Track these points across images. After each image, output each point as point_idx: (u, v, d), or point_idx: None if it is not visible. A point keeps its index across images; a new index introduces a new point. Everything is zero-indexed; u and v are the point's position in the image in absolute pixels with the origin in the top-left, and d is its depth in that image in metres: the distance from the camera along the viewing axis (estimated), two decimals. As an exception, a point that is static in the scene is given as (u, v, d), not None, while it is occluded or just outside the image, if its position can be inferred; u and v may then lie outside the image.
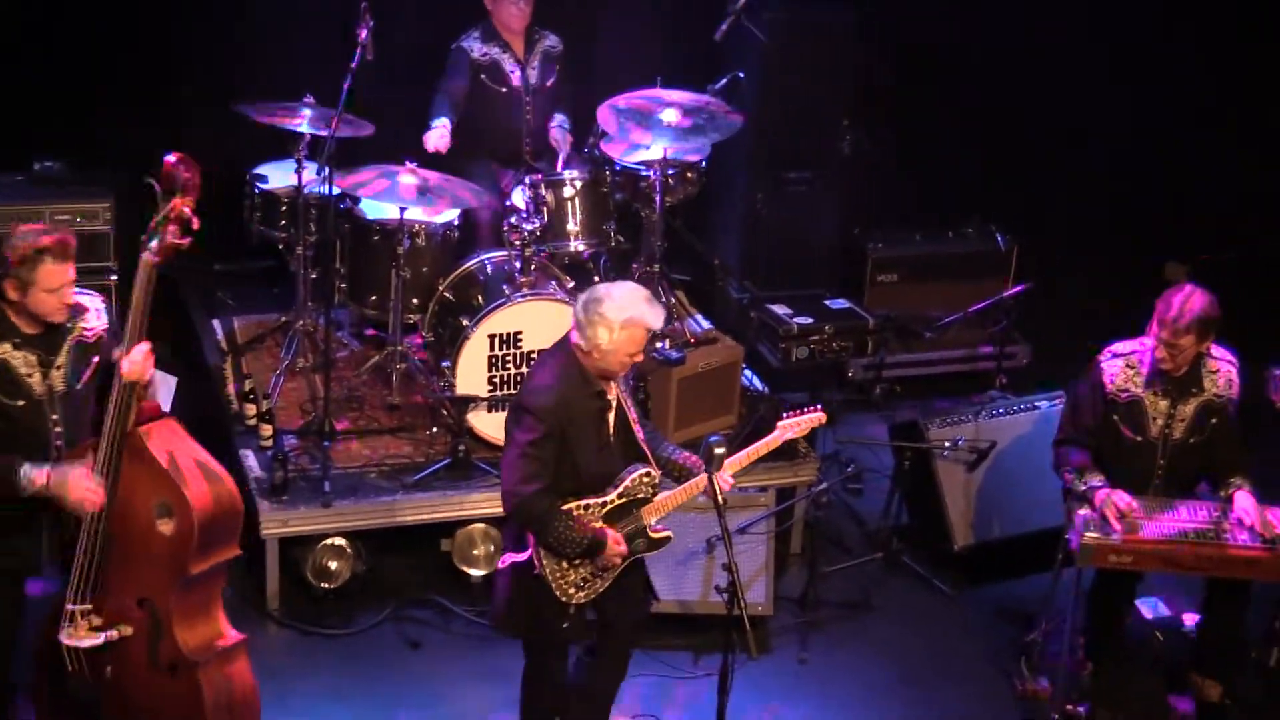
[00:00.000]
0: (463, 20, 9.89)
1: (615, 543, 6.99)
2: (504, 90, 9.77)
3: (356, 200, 9.32)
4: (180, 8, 10.32)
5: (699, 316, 10.01)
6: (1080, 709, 8.08)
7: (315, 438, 8.92)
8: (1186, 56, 11.53)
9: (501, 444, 8.77)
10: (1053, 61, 11.53)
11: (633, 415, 7.13)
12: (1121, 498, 7.79)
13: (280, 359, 9.59)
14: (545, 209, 9.24)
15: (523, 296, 8.88)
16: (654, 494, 7.10)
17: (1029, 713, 8.27)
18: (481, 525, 8.77)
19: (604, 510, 7.03)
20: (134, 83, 10.32)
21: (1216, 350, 7.98)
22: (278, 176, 9.58)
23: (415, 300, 9.36)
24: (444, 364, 8.98)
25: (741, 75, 9.96)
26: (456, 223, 9.52)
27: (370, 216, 9.38)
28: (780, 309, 9.95)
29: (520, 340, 8.92)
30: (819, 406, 7.33)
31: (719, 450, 6.86)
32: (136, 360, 6.48)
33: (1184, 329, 7.73)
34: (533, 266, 9.00)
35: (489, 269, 9.25)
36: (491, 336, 8.89)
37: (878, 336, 9.99)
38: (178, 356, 10.23)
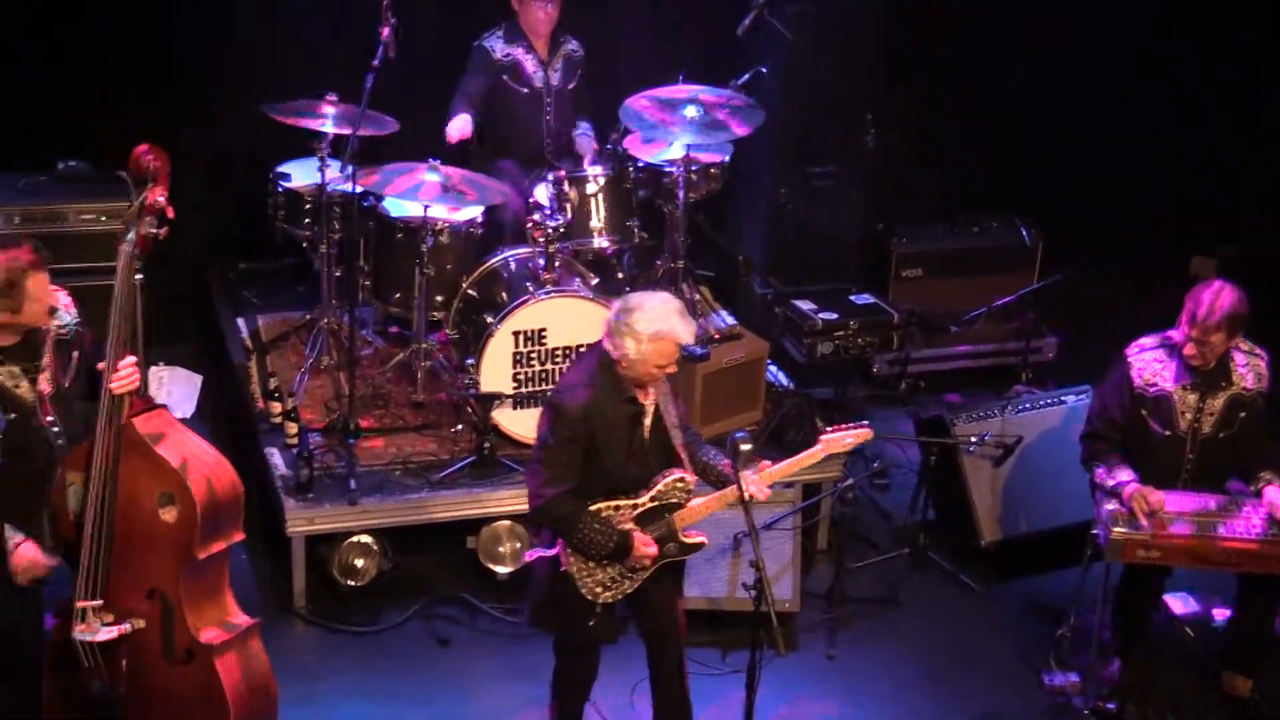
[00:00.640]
0: (486, 19, 9.88)
1: (643, 545, 6.99)
2: (525, 91, 9.76)
3: (380, 198, 9.32)
4: (206, 8, 10.32)
5: (723, 312, 9.98)
6: (1109, 704, 8.05)
7: (340, 435, 8.92)
8: (1217, 47, 11.49)
9: (526, 441, 8.85)
10: (1081, 55, 11.49)
11: (671, 420, 7.10)
12: (1152, 494, 7.76)
13: (305, 357, 9.59)
14: (569, 206, 9.22)
15: (547, 293, 8.87)
16: (687, 499, 7.08)
17: (1058, 708, 8.24)
18: (507, 522, 8.76)
19: (635, 513, 7.02)
20: (157, 82, 10.31)
21: (1245, 344, 7.95)
22: (301, 175, 9.57)
23: (439, 298, 9.36)
24: (468, 361, 8.97)
25: (765, 70, 9.94)
26: (480, 220, 9.51)
27: (394, 214, 9.37)
28: (805, 304, 9.93)
29: (545, 337, 8.91)
30: (866, 423, 7.27)
31: (745, 447, 6.84)
32: (124, 376, 6.47)
33: (1214, 327, 7.70)
34: (556, 263, 8.99)
35: (513, 266, 9.23)
36: (516, 333, 8.88)
37: (903, 331, 9.97)
38: (203, 354, 10.28)
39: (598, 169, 9.48)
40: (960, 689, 8.38)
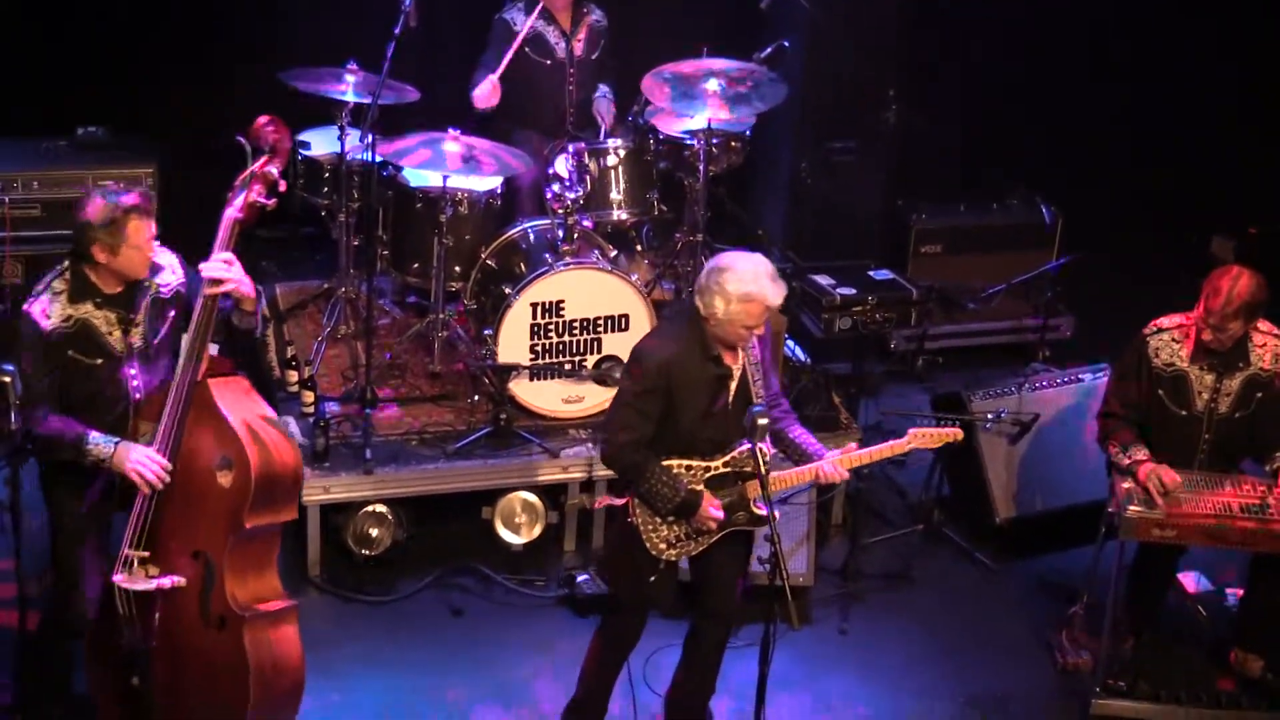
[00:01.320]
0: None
1: (710, 506, 7.01)
2: (548, 62, 9.73)
3: (399, 168, 9.31)
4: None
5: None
6: (1121, 683, 8.05)
7: (357, 405, 8.93)
8: (1238, 28, 11.45)
9: (542, 412, 8.87)
10: (1102, 33, 11.47)
11: (757, 390, 7.10)
12: (1167, 473, 7.75)
13: (322, 326, 9.60)
14: (588, 178, 9.22)
15: (565, 265, 8.87)
16: (766, 472, 7.08)
17: (1070, 686, 8.25)
18: (522, 494, 8.77)
19: (707, 475, 7.06)
20: (177, 49, 10.34)
21: (1264, 325, 7.94)
22: (321, 143, 9.56)
23: (457, 268, 9.36)
24: (486, 332, 8.97)
25: (787, 44, 9.91)
26: (499, 191, 9.51)
27: (413, 184, 9.37)
28: (823, 279, 9.91)
29: (562, 309, 8.91)
30: (958, 424, 7.24)
31: (763, 421, 6.83)
32: (215, 264, 6.57)
33: (1232, 314, 7.69)
34: (575, 235, 8.98)
35: (531, 237, 9.23)
36: (534, 305, 8.88)
37: (921, 307, 9.94)
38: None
39: (618, 141, 9.47)
40: (972, 665, 8.38)
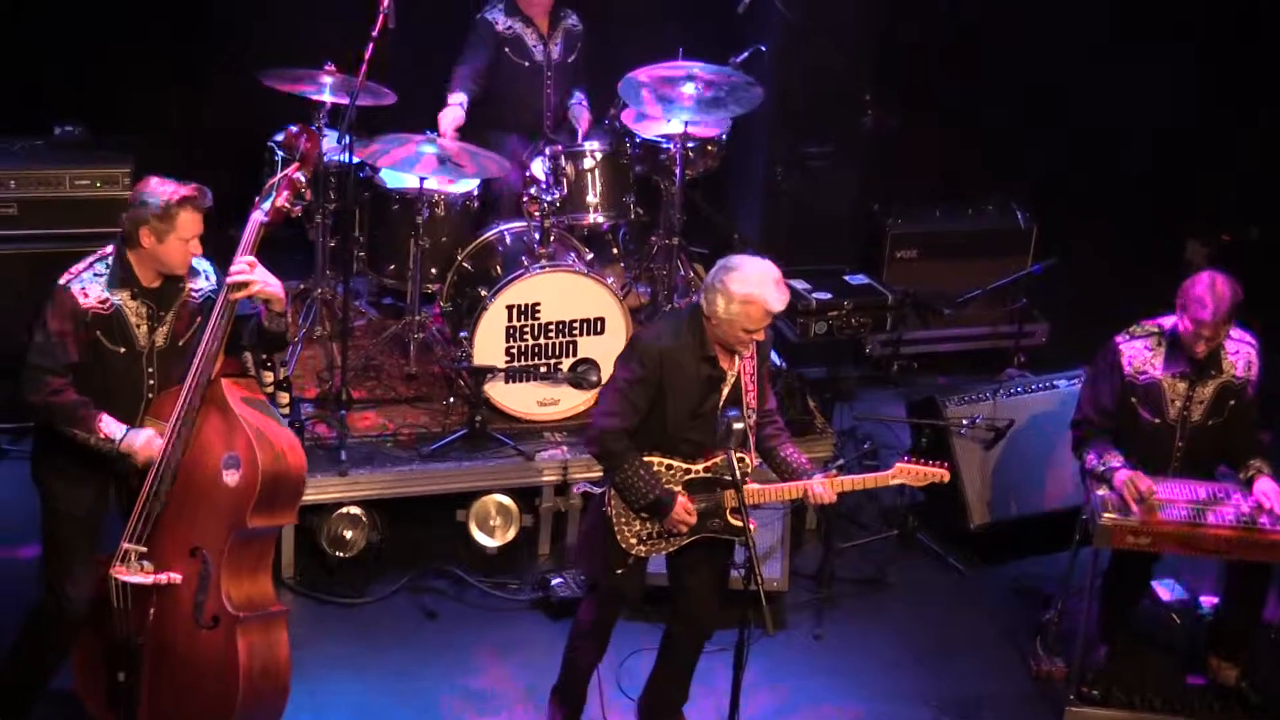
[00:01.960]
0: (487, -10, 9.87)
1: (683, 509, 7.01)
2: (526, 64, 9.73)
3: (376, 169, 9.30)
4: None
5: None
6: (1095, 690, 8.07)
7: (332, 406, 8.92)
8: (1209, 34, 11.48)
9: (518, 414, 8.88)
10: (1077, 39, 11.48)
11: (750, 400, 7.10)
12: (1142, 480, 7.77)
13: (298, 327, 9.58)
14: (565, 180, 9.23)
15: (541, 268, 8.87)
16: (742, 480, 7.08)
17: (1044, 693, 8.26)
18: (497, 496, 8.77)
19: (686, 477, 7.06)
20: (155, 48, 10.30)
21: (1235, 332, 7.95)
22: (298, 144, 9.54)
23: (434, 270, 9.35)
24: (462, 334, 8.97)
25: (764, 48, 9.92)
26: (476, 193, 9.51)
27: (390, 185, 9.36)
28: (799, 284, 9.91)
29: (538, 311, 8.91)
30: (945, 465, 7.25)
31: (737, 425, 6.85)
32: (238, 266, 6.73)
33: (1224, 319, 7.71)
34: (552, 238, 8.99)
35: (508, 240, 9.23)
36: (510, 307, 8.88)
37: (896, 313, 9.96)
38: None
39: (595, 144, 9.47)
40: (946, 671, 8.40)
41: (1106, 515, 7.75)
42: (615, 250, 9.77)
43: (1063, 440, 8.35)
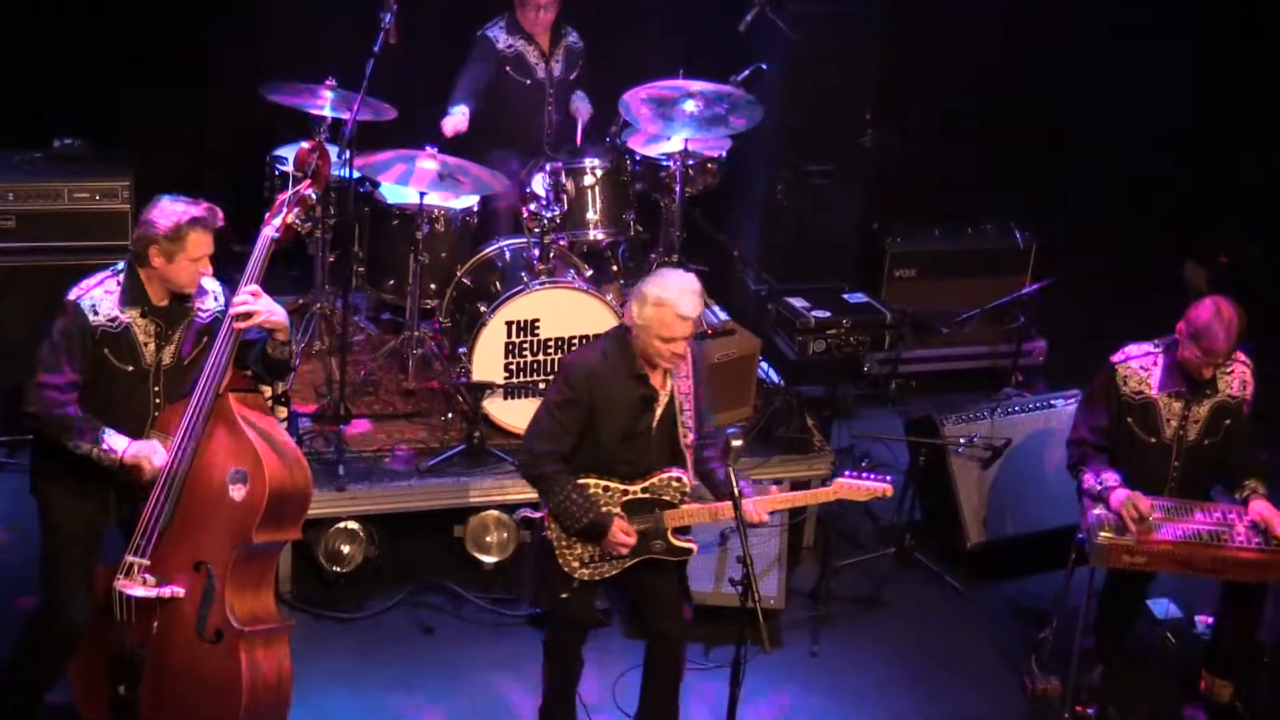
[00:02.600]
0: (487, 8, 9.88)
1: (621, 531, 7.01)
2: (527, 82, 9.76)
3: (376, 184, 9.32)
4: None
5: (716, 308, 9.97)
6: (1090, 709, 8.07)
7: (330, 421, 8.92)
8: (1208, 55, 11.50)
9: (516, 431, 8.89)
10: (1076, 60, 11.50)
11: (686, 420, 7.11)
12: (1142, 501, 7.77)
13: (297, 342, 9.56)
14: (565, 197, 9.23)
15: (541, 284, 8.88)
16: (680, 500, 7.10)
17: (1039, 711, 8.26)
18: (495, 512, 8.77)
19: (624, 499, 7.06)
20: (156, 62, 10.31)
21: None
22: (297, 159, 9.56)
23: (433, 285, 9.37)
24: (460, 350, 8.97)
25: (764, 67, 9.94)
26: (476, 209, 9.52)
27: (390, 201, 9.38)
28: (798, 302, 9.93)
29: (537, 328, 8.92)
30: (888, 479, 7.26)
31: (736, 443, 6.88)
32: (242, 298, 6.76)
33: (1233, 347, 7.73)
34: (551, 254, 8.99)
35: (508, 256, 9.24)
36: (509, 323, 8.89)
37: (895, 331, 9.97)
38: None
39: (595, 161, 9.48)
40: (942, 690, 8.39)
41: (1103, 534, 7.76)
42: (615, 267, 9.78)
43: (1059, 459, 8.35)
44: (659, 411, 7.06)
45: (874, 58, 10.78)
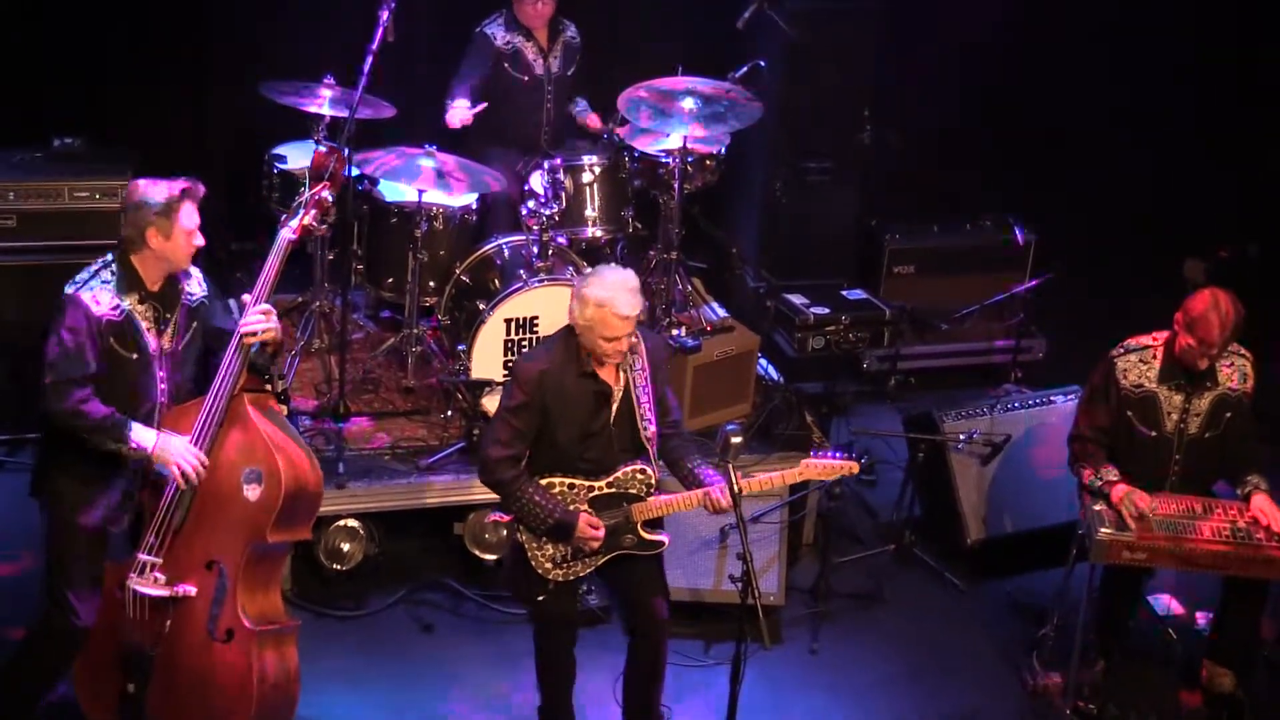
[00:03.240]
0: (484, 5, 9.87)
1: (589, 527, 7.01)
2: (525, 78, 9.76)
3: (375, 182, 9.32)
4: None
5: (715, 304, 9.99)
6: (1091, 705, 8.07)
7: (330, 419, 8.92)
8: (1208, 53, 11.51)
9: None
10: (1075, 57, 11.50)
11: (645, 413, 7.11)
12: (1141, 496, 7.77)
13: (296, 340, 9.58)
14: (564, 194, 9.23)
15: (539, 281, 8.88)
16: (647, 493, 7.10)
17: (1040, 708, 8.25)
18: (497, 512, 8.75)
19: (590, 495, 7.08)
20: (154, 61, 10.32)
21: (1231, 345, 7.96)
22: (296, 157, 9.56)
23: (432, 283, 9.37)
24: (459, 348, 8.97)
25: (763, 64, 9.93)
26: (474, 207, 9.52)
27: (389, 199, 9.38)
28: (797, 298, 9.94)
29: (536, 325, 8.92)
30: (852, 456, 7.25)
31: (735, 439, 6.86)
32: (254, 318, 6.82)
33: (1231, 337, 7.74)
34: (550, 252, 8.99)
35: (506, 253, 9.24)
36: (508, 321, 8.89)
37: (893, 328, 9.99)
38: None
39: (593, 158, 9.49)
40: (942, 686, 8.39)
41: (1103, 530, 7.76)
42: (613, 264, 9.75)
43: (1059, 456, 8.35)
44: (615, 407, 7.08)
45: (872, 54, 10.78)
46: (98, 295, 6.71)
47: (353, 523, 8.62)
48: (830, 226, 11.00)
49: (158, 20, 10.29)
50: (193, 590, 6.82)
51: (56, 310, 6.73)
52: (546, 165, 9.21)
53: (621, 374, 7.08)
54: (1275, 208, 11.60)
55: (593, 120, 9.89)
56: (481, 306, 8.93)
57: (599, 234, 9.52)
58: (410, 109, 9.48)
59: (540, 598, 7.15)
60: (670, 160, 9.46)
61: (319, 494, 7.02)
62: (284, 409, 8.75)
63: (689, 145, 9.40)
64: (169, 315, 6.88)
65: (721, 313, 9.86)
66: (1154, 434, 7.97)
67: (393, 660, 8.23)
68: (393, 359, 9.58)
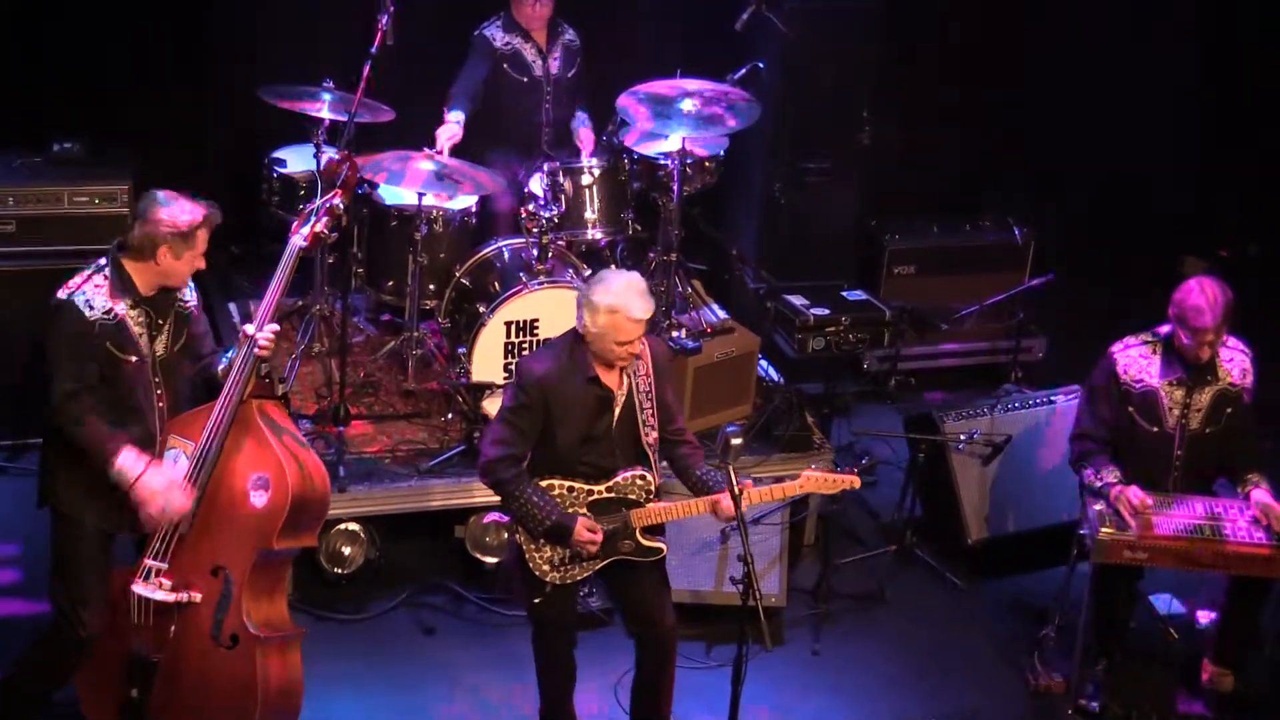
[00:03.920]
0: (483, 7, 9.88)
1: (586, 531, 6.99)
2: (525, 80, 9.75)
3: (375, 185, 9.32)
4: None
5: (715, 306, 9.98)
6: (1092, 704, 8.07)
7: (330, 422, 8.92)
8: (1207, 51, 11.51)
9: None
10: (1074, 55, 11.50)
11: (647, 418, 7.11)
12: (1135, 494, 7.78)
13: (296, 343, 9.58)
14: (563, 197, 9.23)
15: (539, 284, 8.88)
16: (646, 498, 7.09)
17: (1041, 707, 8.26)
18: (494, 513, 8.76)
19: (589, 499, 7.06)
20: (154, 65, 10.32)
21: (1231, 340, 7.98)
22: (296, 160, 9.58)
23: (432, 286, 9.37)
24: (460, 350, 8.97)
25: (761, 65, 9.93)
26: (474, 209, 9.52)
27: (388, 202, 9.38)
28: (797, 299, 9.93)
29: (537, 328, 8.92)
30: (855, 470, 7.24)
31: (736, 441, 6.85)
32: (269, 338, 6.82)
33: (1221, 323, 7.73)
34: (550, 254, 8.99)
35: (506, 256, 9.24)
36: (508, 324, 8.89)
37: (894, 328, 9.97)
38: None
39: (593, 160, 9.49)
40: (944, 686, 8.39)
41: (1104, 530, 7.76)
42: (613, 266, 9.76)
43: (1060, 455, 8.36)
44: (618, 412, 7.06)
45: (871, 54, 10.77)
46: (91, 299, 6.70)
47: (354, 526, 8.62)
48: (830, 227, 10.99)
49: (157, 24, 10.28)
50: (198, 596, 6.83)
51: (50, 317, 6.71)
52: (546, 167, 9.22)
53: (624, 378, 7.08)
54: (1275, 208, 11.61)
55: (585, 139, 9.84)
56: (482, 309, 8.93)
57: (599, 236, 9.52)
58: (410, 113, 9.47)
59: (537, 600, 7.14)
60: (669, 162, 9.45)
61: (326, 501, 7.00)
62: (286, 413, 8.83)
63: (688, 147, 9.40)
64: (161, 321, 6.86)
65: (721, 314, 9.85)
66: (1155, 429, 7.97)
67: (394, 663, 8.23)
68: (393, 362, 9.58)
